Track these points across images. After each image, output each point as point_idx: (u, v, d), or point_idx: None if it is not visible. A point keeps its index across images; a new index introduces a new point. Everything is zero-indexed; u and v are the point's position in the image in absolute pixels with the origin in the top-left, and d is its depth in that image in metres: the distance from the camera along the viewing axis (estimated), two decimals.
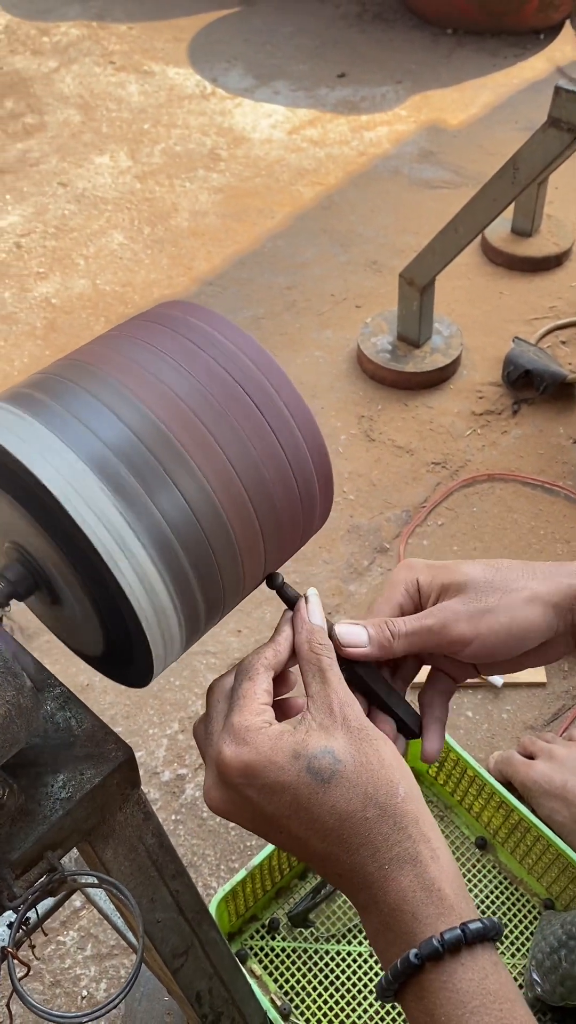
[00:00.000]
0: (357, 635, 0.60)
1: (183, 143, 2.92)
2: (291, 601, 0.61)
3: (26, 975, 0.59)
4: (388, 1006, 1.15)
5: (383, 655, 0.60)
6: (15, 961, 0.58)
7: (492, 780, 1.23)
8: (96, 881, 0.63)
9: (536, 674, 1.50)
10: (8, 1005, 0.61)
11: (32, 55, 3.43)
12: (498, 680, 1.49)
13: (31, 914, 0.65)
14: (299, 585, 1.64)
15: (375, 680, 0.61)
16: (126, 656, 0.57)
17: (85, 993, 1.17)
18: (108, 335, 0.60)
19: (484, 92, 3.07)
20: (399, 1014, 1.15)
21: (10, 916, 0.61)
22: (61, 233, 2.57)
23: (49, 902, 1.03)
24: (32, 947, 0.62)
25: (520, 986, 1.17)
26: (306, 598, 0.60)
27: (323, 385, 2.04)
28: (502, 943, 1.21)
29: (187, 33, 3.53)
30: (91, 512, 0.49)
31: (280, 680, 0.59)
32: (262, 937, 1.21)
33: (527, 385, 1.99)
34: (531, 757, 1.34)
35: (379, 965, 1.18)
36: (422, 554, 1.68)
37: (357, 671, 0.61)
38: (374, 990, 0.64)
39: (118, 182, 2.76)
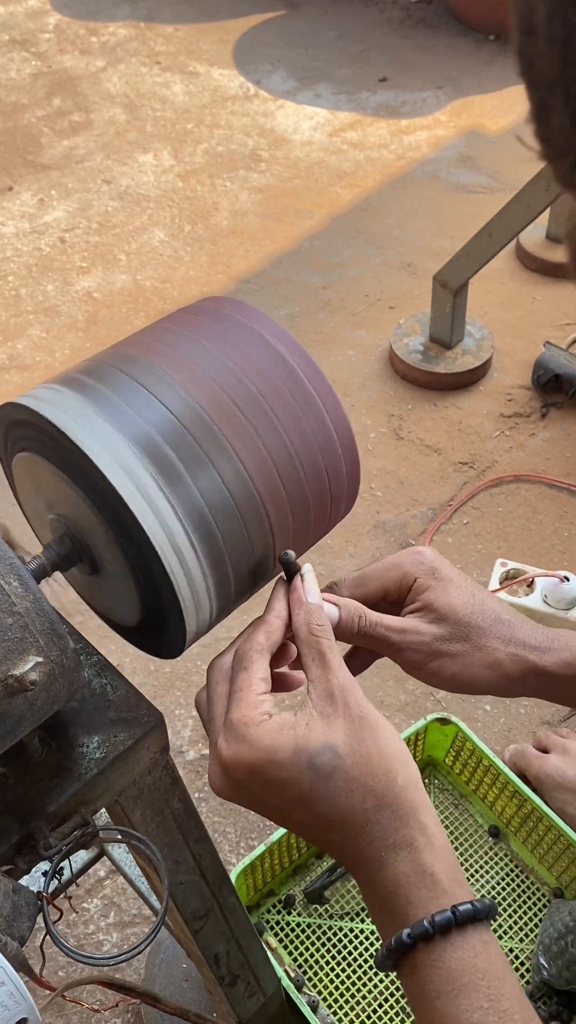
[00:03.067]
0: (330, 615, 0.61)
1: (225, 143, 2.97)
2: (291, 572, 0.61)
3: (59, 919, 0.64)
4: (397, 983, 1.19)
5: (340, 639, 0.61)
6: (49, 906, 0.63)
7: (507, 770, 1.26)
8: (125, 836, 0.67)
9: None
10: (42, 947, 0.65)
11: (80, 54, 3.49)
12: None
13: (64, 866, 0.70)
14: (324, 578, 1.68)
15: None
16: (159, 626, 0.61)
17: None
18: (152, 326, 0.64)
19: (523, 99, 3.07)
20: None
21: (45, 866, 0.66)
22: (104, 229, 2.63)
23: (83, 859, 1.07)
24: (68, 898, 0.66)
25: (527, 970, 1.20)
26: (302, 576, 0.60)
27: (355, 383, 2.08)
28: (510, 929, 1.24)
29: (232, 35, 3.58)
30: (132, 485, 0.53)
31: (279, 654, 0.60)
32: (278, 912, 1.25)
33: (556, 389, 2.01)
34: (545, 751, 1.37)
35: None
36: (447, 552, 1.72)
37: None
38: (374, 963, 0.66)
39: (161, 180, 2.81)
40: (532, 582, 1.58)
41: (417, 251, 2.48)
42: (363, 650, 0.67)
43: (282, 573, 0.61)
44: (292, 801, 0.52)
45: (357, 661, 0.67)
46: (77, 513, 0.58)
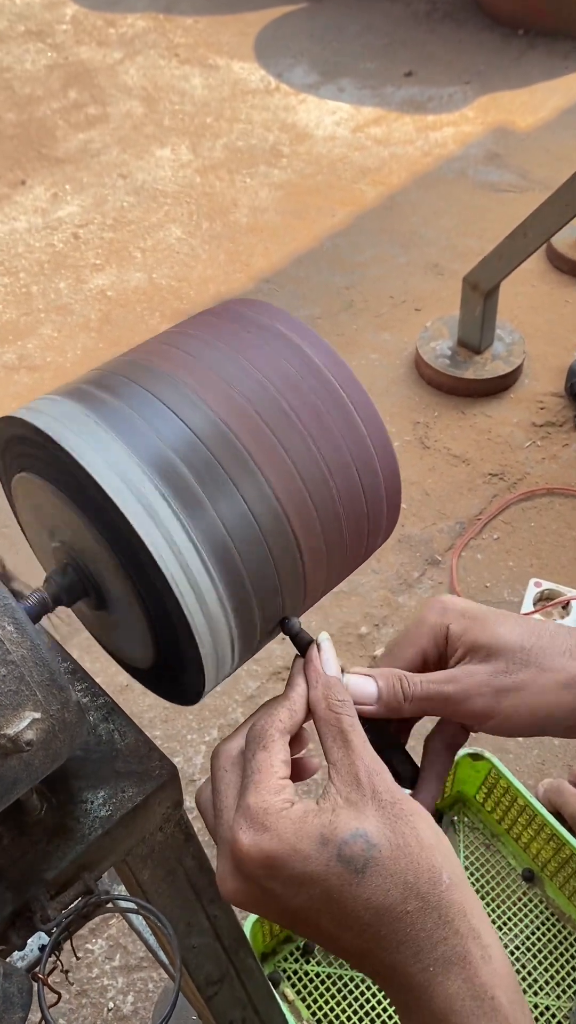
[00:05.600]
0: (366, 691, 0.53)
1: (245, 138, 2.90)
2: (304, 646, 0.53)
3: (56, 1003, 0.56)
4: None
5: (390, 715, 0.53)
6: (45, 988, 0.55)
7: (543, 810, 1.18)
8: (134, 907, 0.59)
9: None
10: None
11: (98, 46, 3.43)
12: None
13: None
14: (346, 594, 1.60)
15: (370, 724, 0.53)
16: (176, 671, 0.54)
17: (112, 1005, 1.13)
18: (172, 331, 0.57)
19: (554, 95, 3.00)
20: None
21: (41, 938, 0.58)
22: (119, 225, 2.56)
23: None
24: (66, 972, 0.58)
25: None
26: (318, 645, 0.53)
27: (378, 389, 2.00)
28: (545, 984, 1.15)
29: (253, 27, 3.51)
30: (145, 513, 0.46)
31: (293, 739, 0.52)
32: (296, 960, 1.17)
33: None
34: None
35: None
36: (476, 569, 1.63)
37: None
38: None
39: (178, 175, 2.74)
40: (568, 604, 1.49)
41: (444, 251, 2.40)
42: (447, 726, 0.57)
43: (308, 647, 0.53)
44: (318, 901, 0.44)
45: (446, 739, 0.57)
46: (82, 541, 0.51)
